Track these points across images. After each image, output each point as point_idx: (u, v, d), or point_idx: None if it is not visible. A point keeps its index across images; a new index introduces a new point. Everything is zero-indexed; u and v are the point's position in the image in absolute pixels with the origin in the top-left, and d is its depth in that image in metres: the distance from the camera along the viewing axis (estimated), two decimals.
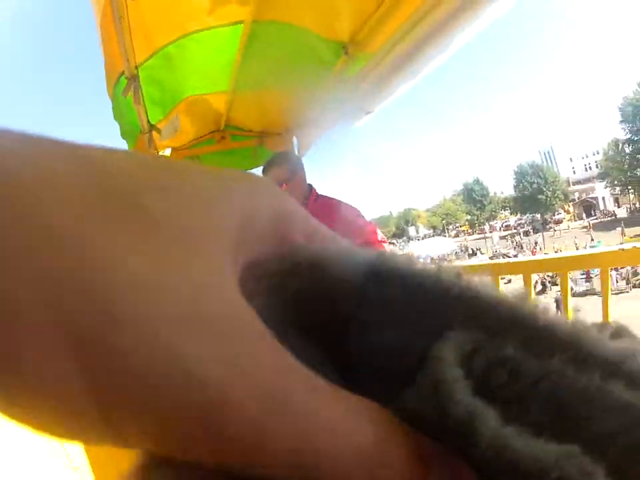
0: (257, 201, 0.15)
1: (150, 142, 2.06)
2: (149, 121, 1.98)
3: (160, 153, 2.43)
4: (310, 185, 2.08)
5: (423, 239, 59.95)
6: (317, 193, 2.08)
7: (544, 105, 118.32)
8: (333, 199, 2.11)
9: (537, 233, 48.04)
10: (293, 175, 1.98)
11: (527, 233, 49.42)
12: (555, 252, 30.38)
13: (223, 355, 0.11)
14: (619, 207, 48.58)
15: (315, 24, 1.73)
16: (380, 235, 2.06)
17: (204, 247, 0.12)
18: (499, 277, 1.78)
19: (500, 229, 56.46)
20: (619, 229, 36.70)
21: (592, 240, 35.04)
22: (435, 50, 1.58)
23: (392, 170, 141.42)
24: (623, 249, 1.35)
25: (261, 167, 2.61)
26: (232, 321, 0.12)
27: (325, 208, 2.03)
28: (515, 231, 52.41)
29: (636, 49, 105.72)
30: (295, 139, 2.71)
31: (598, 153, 58.09)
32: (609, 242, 29.75)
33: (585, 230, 42.78)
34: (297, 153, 2.60)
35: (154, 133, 2.02)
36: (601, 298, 1.46)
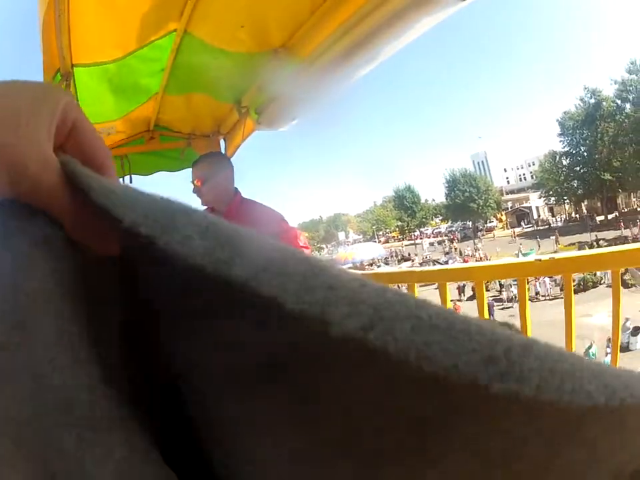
0: (56, 95, 0.29)
1: None
2: None
3: None
4: (236, 189, 2.23)
5: (352, 243, 59.98)
6: (242, 196, 2.24)
7: (480, 115, 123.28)
8: (257, 202, 2.28)
9: (465, 240, 50.10)
10: (213, 175, 2.13)
11: (452, 241, 51.37)
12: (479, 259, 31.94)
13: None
14: (553, 216, 51.34)
15: (243, 44, 1.89)
16: (303, 240, 2.22)
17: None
18: (415, 285, 1.93)
19: (431, 235, 58.20)
20: (553, 237, 38.82)
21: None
22: (365, 57, 1.74)
23: (321, 175, 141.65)
24: (539, 260, 1.44)
25: (188, 169, 2.77)
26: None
27: (249, 211, 2.19)
28: (447, 237, 54.21)
29: (573, 64, 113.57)
30: (222, 142, 2.86)
31: (533, 164, 61.80)
32: (544, 250, 31.86)
33: (511, 238, 45.10)
34: None
35: None
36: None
